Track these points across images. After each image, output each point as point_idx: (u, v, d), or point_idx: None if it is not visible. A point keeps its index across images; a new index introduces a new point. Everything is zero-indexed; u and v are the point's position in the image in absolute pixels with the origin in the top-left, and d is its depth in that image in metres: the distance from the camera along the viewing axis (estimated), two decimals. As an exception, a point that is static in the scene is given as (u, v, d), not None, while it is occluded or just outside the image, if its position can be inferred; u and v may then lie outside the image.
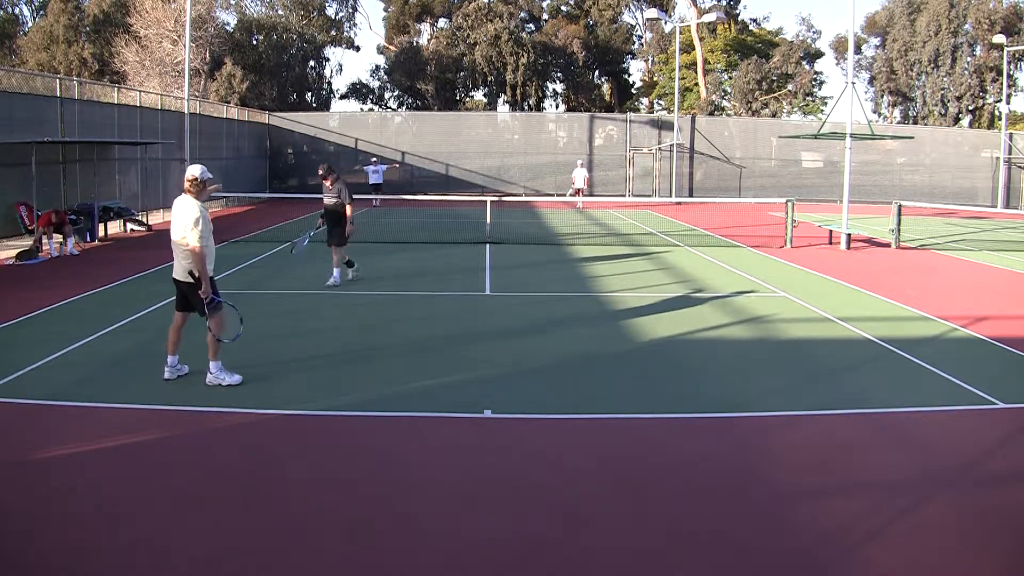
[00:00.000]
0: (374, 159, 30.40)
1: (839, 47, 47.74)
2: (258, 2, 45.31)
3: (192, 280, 6.67)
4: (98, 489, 4.78)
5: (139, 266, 13.27)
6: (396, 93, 48.69)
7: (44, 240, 14.71)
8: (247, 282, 12.14)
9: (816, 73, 49.39)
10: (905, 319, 9.80)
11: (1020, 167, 35.15)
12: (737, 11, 50.77)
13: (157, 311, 9.78)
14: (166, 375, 6.85)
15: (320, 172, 11.83)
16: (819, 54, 49.49)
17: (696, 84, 48.53)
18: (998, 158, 35.08)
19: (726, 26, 48.07)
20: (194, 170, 6.76)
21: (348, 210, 11.63)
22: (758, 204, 27.37)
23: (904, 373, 7.42)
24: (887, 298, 11.07)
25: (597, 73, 51.43)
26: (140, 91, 24.69)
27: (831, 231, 17.95)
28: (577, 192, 27.03)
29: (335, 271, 11.70)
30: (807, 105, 49.11)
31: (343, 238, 11.59)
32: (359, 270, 12.14)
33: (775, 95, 46.79)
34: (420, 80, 45.30)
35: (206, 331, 6.73)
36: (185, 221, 6.57)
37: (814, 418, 6.19)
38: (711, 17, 37.12)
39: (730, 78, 48.95)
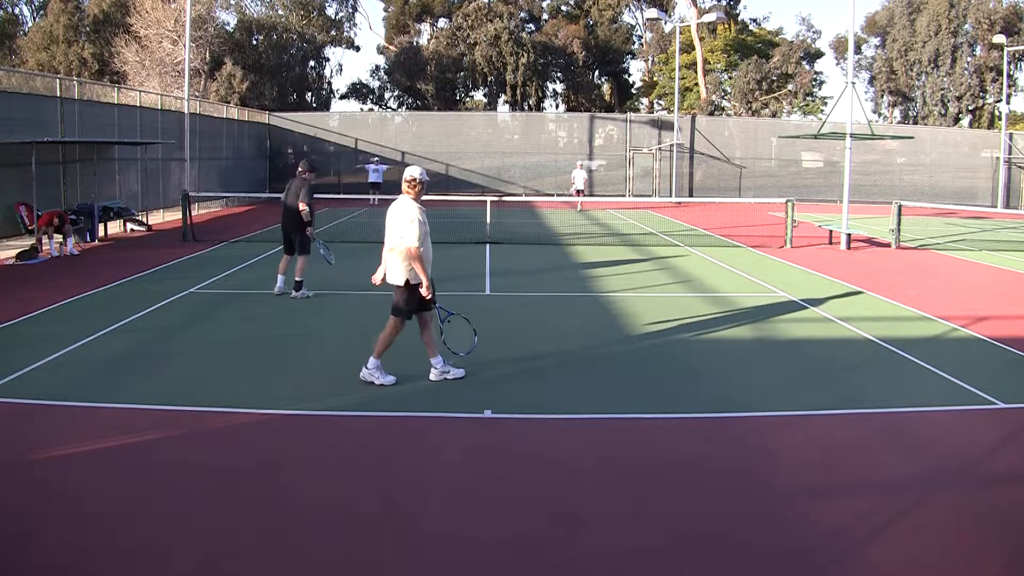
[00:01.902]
0: (376, 159, 30.42)
1: (839, 47, 47.75)
2: (258, 2, 45.37)
3: (403, 284, 6.64)
4: (98, 489, 4.77)
5: (139, 266, 13.27)
6: (396, 93, 48.71)
7: (44, 240, 14.70)
8: (247, 282, 12.14)
9: (816, 73, 49.44)
10: (905, 319, 9.80)
11: (1020, 167, 35.15)
12: (737, 11, 50.79)
13: (157, 311, 9.79)
14: (431, 376, 6.85)
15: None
16: (819, 54, 49.54)
17: (696, 84, 48.53)
18: (998, 158, 35.09)
19: (726, 26, 48.07)
20: (413, 171, 6.69)
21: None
22: (758, 204, 27.36)
23: (904, 373, 7.42)
24: (887, 298, 11.07)
25: (597, 73, 51.44)
26: (140, 91, 24.69)
27: (831, 231, 17.95)
28: (577, 193, 26.97)
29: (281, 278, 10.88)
30: (807, 105, 49.13)
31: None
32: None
33: (775, 95, 46.80)
34: (420, 80, 45.31)
35: (420, 332, 6.87)
36: (403, 220, 6.52)
37: (814, 418, 6.19)
38: (711, 17, 37.11)
39: (730, 78, 48.97)
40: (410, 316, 6.82)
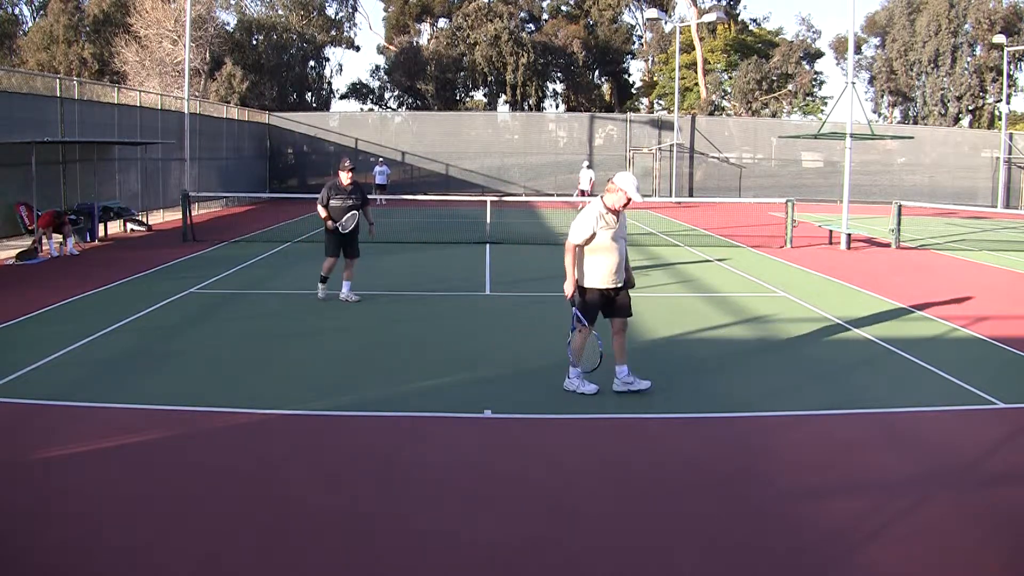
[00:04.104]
0: (380, 159, 30.37)
1: (839, 47, 47.74)
2: (258, 2, 45.38)
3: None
4: (98, 489, 4.77)
5: (139, 266, 13.27)
6: (396, 93, 48.71)
7: (44, 240, 14.71)
8: (247, 282, 12.14)
9: (816, 73, 49.43)
10: (905, 319, 9.80)
11: (1020, 167, 35.15)
12: (737, 11, 50.79)
13: (157, 311, 9.79)
14: (615, 387, 6.59)
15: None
16: (819, 54, 49.53)
17: (696, 84, 48.53)
18: (998, 158, 35.09)
19: (726, 26, 48.07)
20: (623, 179, 6.35)
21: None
22: (758, 204, 27.36)
23: (904, 373, 7.41)
24: (887, 298, 11.07)
25: (597, 73, 51.44)
26: (140, 91, 24.70)
27: (831, 231, 17.95)
28: (582, 194, 26.86)
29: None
30: (807, 105, 49.14)
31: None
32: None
33: (775, 95, 46.80)
34: (420, 80, 45.31)
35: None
36: (577, 217, 6.33)
37: (814, 418, 6.19)
38: (711, 17, 37.12)
39: (730, 78, 48.97)
40: (592, 320, 6.47)
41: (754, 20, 52.67)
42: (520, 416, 6.13)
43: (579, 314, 6.43)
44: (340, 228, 10.17)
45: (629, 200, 6.29)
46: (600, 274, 6.39)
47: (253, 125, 32.63)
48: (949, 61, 43.50)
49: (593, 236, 6.27)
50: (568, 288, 6.39)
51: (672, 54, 41.91)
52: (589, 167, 28.12)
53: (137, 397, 6.37)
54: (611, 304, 6.55)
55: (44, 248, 14.65)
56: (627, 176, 6.39)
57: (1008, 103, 38.27)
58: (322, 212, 10.26)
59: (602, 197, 6.40)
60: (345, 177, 10.18)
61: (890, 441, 5.76)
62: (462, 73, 46.60)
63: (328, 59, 46.81)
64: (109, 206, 18.34)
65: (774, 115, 46.66)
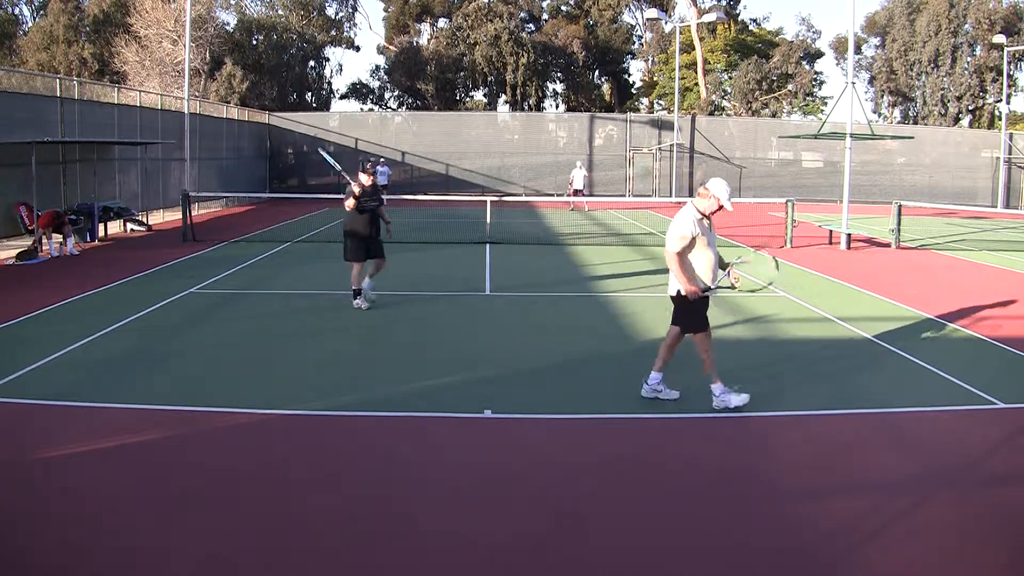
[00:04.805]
0: (382, 160, 30.33)
1: (839, 47, 47.72)
2: (258, 2, 45.36)
3: (675, 295, 6.28)
4: (98, 489, 4.77)
5: (139, 266, 13.27)
6: (396, 93, 48.70)
7: (44, 240, 14.71)
8: (247, 282, 12.14)
9: (816, 73, 49.40)
10: (905, 319, 9.80)
11: (1020, 167, 35.15)
12: (737, 11, 50.77)
13: (157, 311, 9.79)
14: (643, 392, 6.47)
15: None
16: (819, 54, 49.51)
17: (696, 84, 48.52)
18: (998, 158, 35.09)
19: (726, 26, 48.05)
20: (717, 185, 6.19)
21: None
22: (758, 204, 27.36)
23: (904, 373, 7.42)
24: (887, 298, 11.07)
25: (597, 73, 51.43)
26: (140, 91, 24.69)
27: (831, 231, 17.95)
28: (575, 193, 26.92)
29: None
30: (807, 105, 49.12)
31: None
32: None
33: (775, 95, 46.80)
34: (420, 80, 45.30)
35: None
36: (672, 225, 6.20)
37: (814, 418, 6.19)
38: (711, 17, 37.11)
39: (730, 78, 48.95)
40: (688, 330, 6.35)
41: (754, 20, 52.70)
42: (520, 416, 6.13)
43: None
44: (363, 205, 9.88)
45: (720, 207, 6.22)
46: (700, 278, 6.29)
47: (253, 125, 32.64)
48: (949, 61, 43.50)
49: (693, 241, 6.19)
50: (690, 287, 6.18)
51: (672, 54, 41.90)
52: (582, 167, 28.17)
53: (137, 397, 6.37)
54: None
55: (44, 248, 14.65)
56: (721, 183, 6.25)
57: (1008, 103, 38.32)
58: (350, 202, 9.84)
59: (693, 202, 6.29)
60: (366, 179, 9.97)
61: (890, 441, 5.76)
62: (462, 73, 46.60)
63: (328, 59, 46.84)
64: (109, 206, 18.34)
65: (774, 115, 46.65)
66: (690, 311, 6.31)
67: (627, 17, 51.21)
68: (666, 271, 6.46)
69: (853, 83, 17.67)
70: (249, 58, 39.69)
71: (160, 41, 32.56)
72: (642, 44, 52.18)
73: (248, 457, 5.31)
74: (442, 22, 49.98)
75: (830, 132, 22.46)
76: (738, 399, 6.27)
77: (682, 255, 6.18)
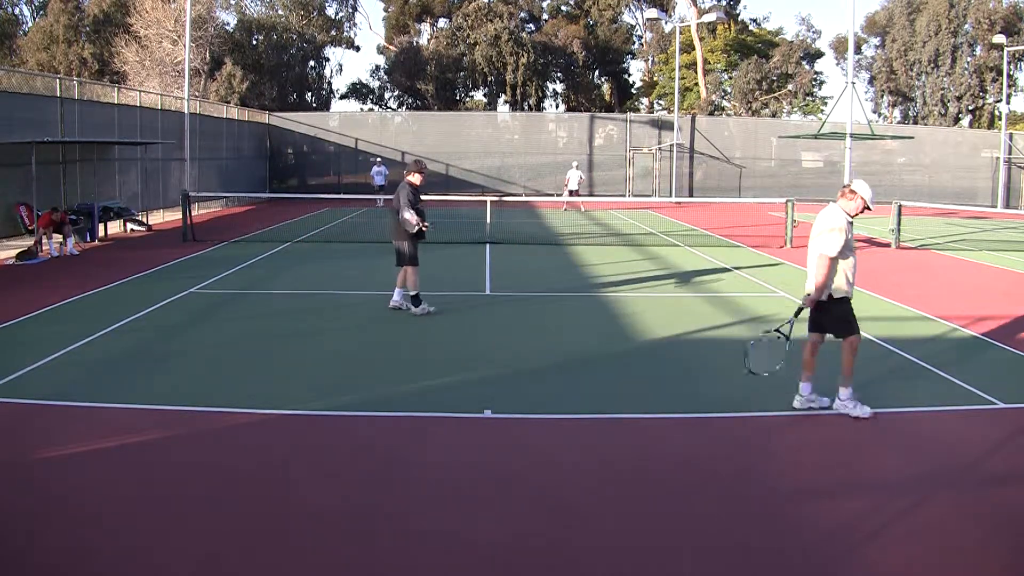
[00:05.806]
0: (379, 160, 30.31)
1: (839, 47, 47.72)
2: (258, 2, 45.37)
3: (827, 299, 6.09)
4: (98, 489, 4.77)
5: (139, 266, 13.27)
6: (396, 93, 48.71)
7: (44, 240, 14.71)
8: (247, 282, 12.14)
9: (816, 73, 49.42)
10: (905, 319, 9.79)
11: (1020, 167, 35.15)
12: (737, 11, 50.78)
13: (157, 311, 9.79)
14: (795, 403, 6.28)
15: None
16: (819, 54, 49.53)
17: (696, 84, 48.53)
18: (998, 158, 35.09)
19: (726, 26, 48.06)
20: (861, 185, 6.10)
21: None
22: (758, 204, 27.36)
23: (904, 373, 7.41)
24: (887, 298, 11.07)
25: (597, 73, 51.44)
26: (140, 91, 24.70)
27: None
28: (571, 194, 26.90)
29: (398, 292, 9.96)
30: (807, 105, 49.13)
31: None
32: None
33: (775, 95, 46.80)
34: (420, 80, 45.30)
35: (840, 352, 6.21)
36: (823, 228, 6.03)
37: (814, 418, 6.18)
38: (711, 17, 37.11)
39: (730, 78, 48.97)
40: (851, 333, 6.15)
41: (754, 20, 52.70)
42: (520, 416, 6.13)
43: (781, 331, 6.21)
44: (431, 226, 9.68)
45: (866, 208, 6.14)
46: (847, 282, 6.16)
47: (253, 125, 32.64)
48: (949, 61, 43.50)
49: (845, 244, 6.05)
50: (815, 296, 6.09)
51: (672, 54, 41.89)
52: (578, 167, 28.19)
53: (137, 397, 6.37)
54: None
55: (44, 248, 14.65)
56: (865, 185, 6.16)
57: (1008, 103, 38.32)
58: (414, 217, 9.48)
59: (840, 204, 6.16)
60: (419, 178, 9.73)
61: (890, 441, 5.76)
62: (462, 73, 46.61)
63: (328, 59, 46.86)
64: (109, 206, 18.34)
65: (774, 115, 46.66)
66: (848, 315, 6.14)
67: (627, 17, 51.29)
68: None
69: (853, 83, 17.69)
70: (249, 58, 39.70)
71: (160, 41, 32.56)
72: (642, 44, 52.20)
73: (248, 457, 5.31)
74: (442, 22, 50.01)
75: (830, 132, 22.49)
76: (860, 410, 6.09)
77: (834, 260, 6.03)
